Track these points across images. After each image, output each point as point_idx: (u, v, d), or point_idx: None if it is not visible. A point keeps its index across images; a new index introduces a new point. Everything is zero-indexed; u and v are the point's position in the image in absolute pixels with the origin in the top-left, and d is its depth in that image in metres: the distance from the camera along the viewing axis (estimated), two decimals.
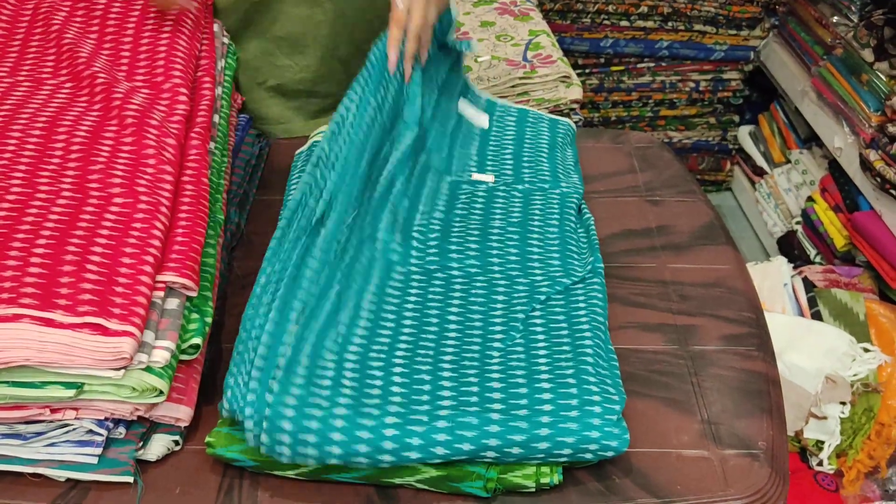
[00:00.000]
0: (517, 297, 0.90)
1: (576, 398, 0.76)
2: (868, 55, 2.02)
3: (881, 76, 1.98)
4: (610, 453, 0.75)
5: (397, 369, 0.80)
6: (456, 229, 0.99)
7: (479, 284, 0.92)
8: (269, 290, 0.82)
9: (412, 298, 0.89)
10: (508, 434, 0.74)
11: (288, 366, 0.76)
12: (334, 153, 0.91)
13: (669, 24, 2.51)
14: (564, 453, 0.74)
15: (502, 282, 0.92)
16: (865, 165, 1.95)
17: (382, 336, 0.84)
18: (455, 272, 0.94)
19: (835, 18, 2.21)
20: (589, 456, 0.75)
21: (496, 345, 0.84)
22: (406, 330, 0.85)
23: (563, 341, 0.84)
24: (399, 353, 0.82)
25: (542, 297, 0.90)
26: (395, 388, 0.77)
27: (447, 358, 0.82)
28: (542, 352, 0.83)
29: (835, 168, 2.23)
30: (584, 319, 0.87)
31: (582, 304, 0.89)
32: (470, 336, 0.85)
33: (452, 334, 0.85)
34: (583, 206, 1.08)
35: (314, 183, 0.89)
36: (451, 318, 0.87)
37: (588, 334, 0.85)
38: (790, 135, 2.57)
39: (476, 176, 1.08)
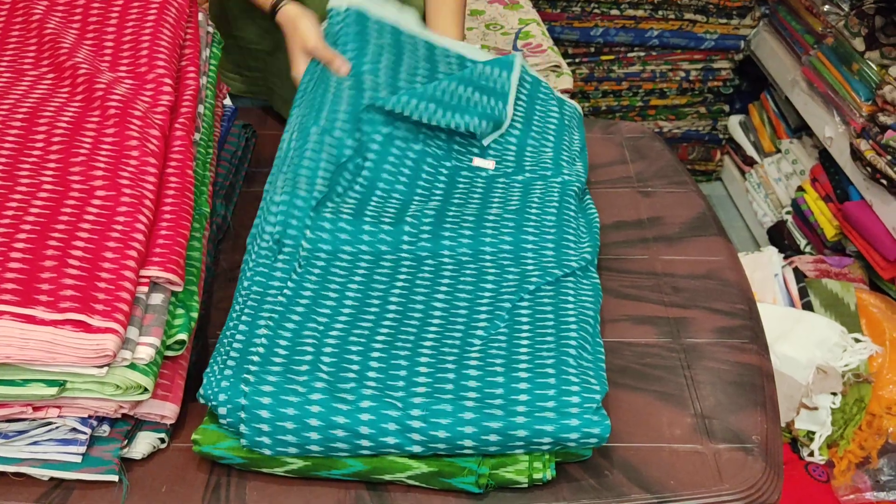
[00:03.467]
0: (506, 286, 0.89)
1: (554, 388, 0.76)
2: (859, 44, 2.01)
3: (872, 65, 1.98)
4: (593, 440, 0.74)
5: (375, 354, 0.79)
6: (451, 215, 0.98)
7: (468, 272, 0.91)
8: (241, 300, 0.86)
9: (399, 284, 0.89)
10: (484, 421, 0.73)
11: (265, 355, 0.77)
12: (279, 181, 0.97)
13: (660, 12, 2.50)
14: (545, 441, 0.73)
15: (492, 270, 0.91)
16: (856, 155, 1.95)
17: (364, 322, 0.83)
18: (446, 259, 0.93)
19: (825, 7, 2.21)
20: (573, 445, 0.74)
21: (479, 333, 0.83)
22: (389, 316, 0.85)
23: (547, 332, 0.83)
24: (379, 338, 0.81)
25: (532, 287, 0.89)
26: (370, 374, 0.77)
27: (427, 344, 0.81)
28: (524, 342, 0.82)
29: (825, 158, 2.23)
30: (571, 312, 0.86)
31: (571, 297, 0.88)
32: (453, 323, 0.84)
33: (436, 321, 0.85)
34: (586, 194, 1.07)
35: (264, 207, 0.95)
36: (437, 304, 0.87)
37: (574, 326, 0.84)
38: (780, 124, 2.57)
39: (476, 161, 1.07)
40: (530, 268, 0.92)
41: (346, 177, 0.99)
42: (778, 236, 2.40)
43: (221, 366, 0.77)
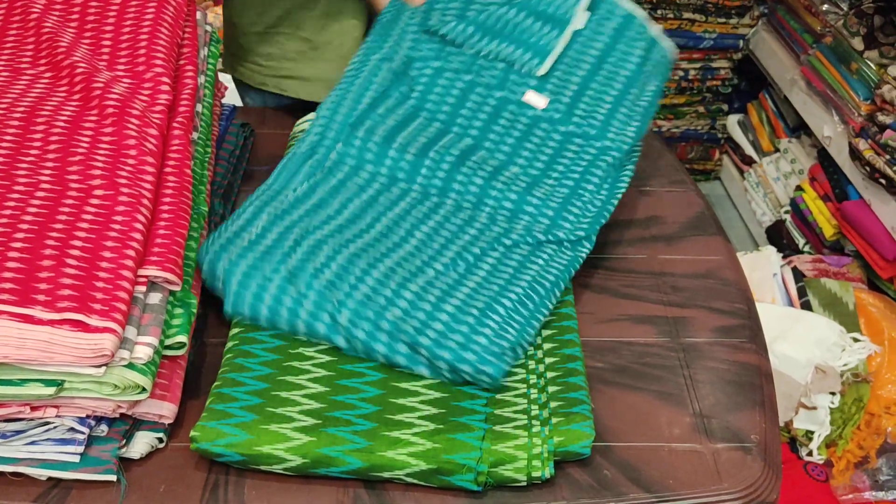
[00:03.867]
0: (487, 235, 0.93)
1: (468, 326, 0.82)
2: (858, 43, 2.01)
3: (871, 64, 1.98)
4: (485, 378, 0.80)
5: (340, 259, 0.87)
6: (474, 159, 1.00)
7: (461, 216, 0.96)
8: (260, 192, 0.96)
9: (397, 210, 0.95)
10: (397, 332, 0.81)
11: (254, 241, 0.88)
12: (332, 94, 1.06)
13: (658, 12, 2.50)
14: (443, 367, 0.80)
15: (483, 220, 0.96)
16: (855, 154, 1.95)
17: (349, 232, 0.91)
18: (449, 200, 0.97)
19: (824, 6, 2.21)
20: (467, 377, 0.80)
21: (437, 266, 0.89)
22: (372, 233, 0.92)
23: (496, 283, 0.88)
24: (352, 248, 0.89)
25: (509, 243, 0.93)
26: (327, 273, 0.85)
27: (387, 263, 0.88)
28: (470, 285, 0.87)
29: (824, 157, 2.23)
30: (531, 273, 0.90)
31: (540, 262, 0.91)
32: (419, 253, 0.90)
33: (408, 247, 0.91)
34: (631, 158, 1.04)
35: (315, 117, 1.04)
36: (417, 234, 0.93)
37: (524, 284, 0.88)
38: (779, 123, 2.57)
39: (528, 96, 1.04)
40: (518, 227, 0.95)
41: (390, 102, 1.04)
42: (777, 236, 2.40)
43: (217, 237, 0.89)
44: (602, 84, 1.06)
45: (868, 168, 1.89)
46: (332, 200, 0.94)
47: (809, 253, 2.21)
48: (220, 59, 1.39)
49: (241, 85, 1.41)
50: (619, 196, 1.00)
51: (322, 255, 0.87)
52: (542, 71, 1.05)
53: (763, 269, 1.87)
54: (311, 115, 1.16)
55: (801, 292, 1.82)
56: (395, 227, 0.93)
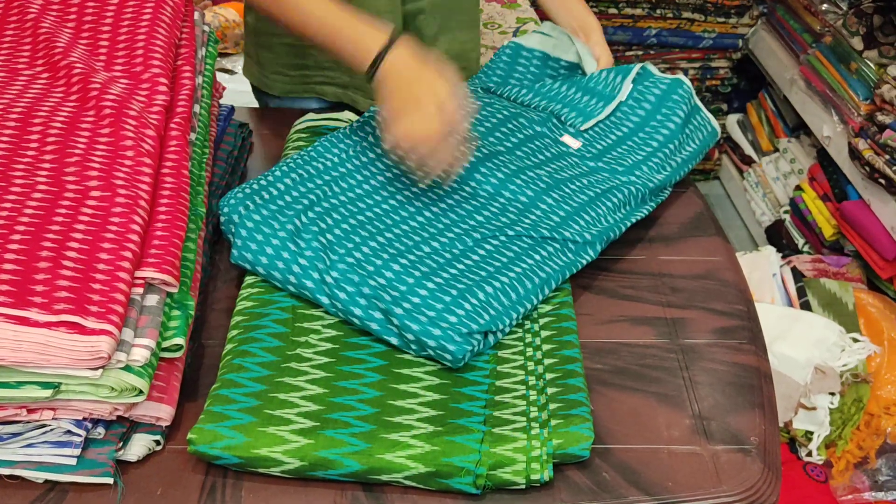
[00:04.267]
0: (491, 224, 0.96)
1: (443, 303, 0.84)
2: (857, 43, 2.01)
3: (870, 64, 1.97)
4: (447, 356, 0.82)
5: (344, 225, 0.92)
6: (501, 159, 1.04)
7: (474, 202, 0.99)
8: (302, 152, 1.03)
9: (414, 189, 1.00)
10: (375, 299, 0.85)
11: (274, 196, 0.95)
12: None
13: (658, 11, 2.50)
14: (411, 338, 0.83)
15: (493, 209, 0.98)
16: (854, 154, 1.95)
17: (359, 205, 0.97)
18: (467, 188, 1.01)
19: (824, 6, 2.20)
20: (431, 351, 0.82)
21: (434, 245, 0.92)
22: (384, 206, 0.97)
23: (486, 269, 0.89)
24: (360, 217, 0.94)
25: (511, 234, 0.95)
26: (328, 236, 0.90)
27: (387, 236, 0.93)
28: (460, 266, 0.89)
29: (823, 157, 2.23)
30: (525, 265, 0.91)
31: (537, 257, 0.92)
32: (421, 232, 0.94)
33: (412, 223, 0.95)
34: (660, 194, 1.08)
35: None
36: (426, 214, 0.96)
37: (512, 275, 0.89)
38: (778, 123, 2.57)
39: (565, 138, 1.11)
40: (526, 221, 0.97)
41: None
42: (776, 236, 2.40)
43: (244, 187, 0.96)
44: (639, 141, 1.12)
45: (867, 168, 1.89)
46: (357, 174, 1.00)
47: (809, 253, 2.21)
48: (246, 70, 1.37)
49: (262, 94, 1.37)
50: (633, 220, 1.03)
51: (329, 220, 0.93)
52: (584, 126, 1.13)
53: (762, 270, 1.87)
54: (310, 115, 1.16)
55: (801, 292, 1.82)
56: (406, 205, 0.98)
